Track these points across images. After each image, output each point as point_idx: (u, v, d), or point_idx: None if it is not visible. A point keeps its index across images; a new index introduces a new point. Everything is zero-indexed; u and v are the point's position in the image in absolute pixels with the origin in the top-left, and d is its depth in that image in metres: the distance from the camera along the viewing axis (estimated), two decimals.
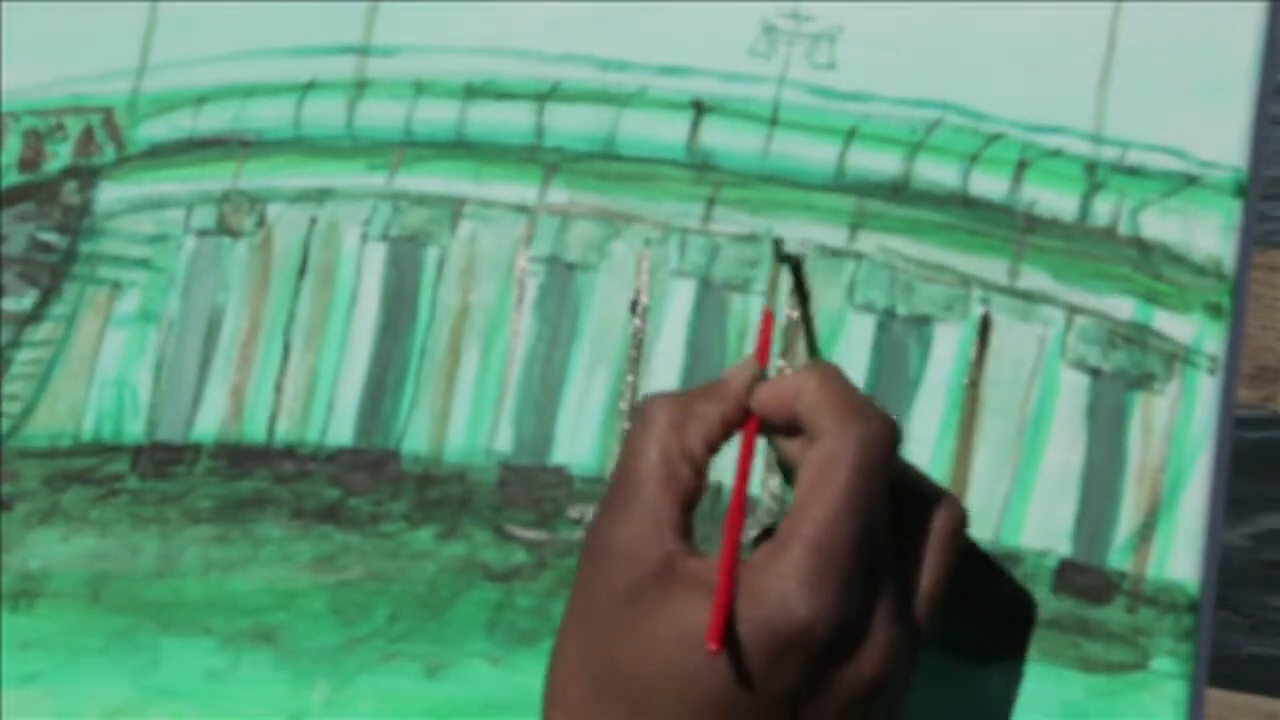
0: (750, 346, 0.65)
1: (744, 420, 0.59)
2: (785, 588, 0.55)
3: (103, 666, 0.67)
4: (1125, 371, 0.62)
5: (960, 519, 0.59)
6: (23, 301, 0.71)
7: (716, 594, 0.54)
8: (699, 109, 0.66)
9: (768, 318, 0.62)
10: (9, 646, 0.68)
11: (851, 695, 0.55)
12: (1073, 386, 0.62)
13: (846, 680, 0.55)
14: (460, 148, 0.68)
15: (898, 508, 0.58)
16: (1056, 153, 0.64)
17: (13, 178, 0.72)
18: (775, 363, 0.64)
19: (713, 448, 0.58)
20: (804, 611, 0.54)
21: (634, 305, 0.66)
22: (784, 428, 0.58)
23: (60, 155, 0.72)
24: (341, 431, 0.68)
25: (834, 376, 0.59)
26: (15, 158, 0.72)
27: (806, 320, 0.65)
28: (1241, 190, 0.62)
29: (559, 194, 0.67)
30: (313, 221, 0.69)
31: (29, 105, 0.72)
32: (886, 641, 0.56)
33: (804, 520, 0.55)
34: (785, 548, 0.55)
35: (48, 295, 0.71)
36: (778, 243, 0.65)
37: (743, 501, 0.57)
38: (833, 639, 0.55)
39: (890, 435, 0.57)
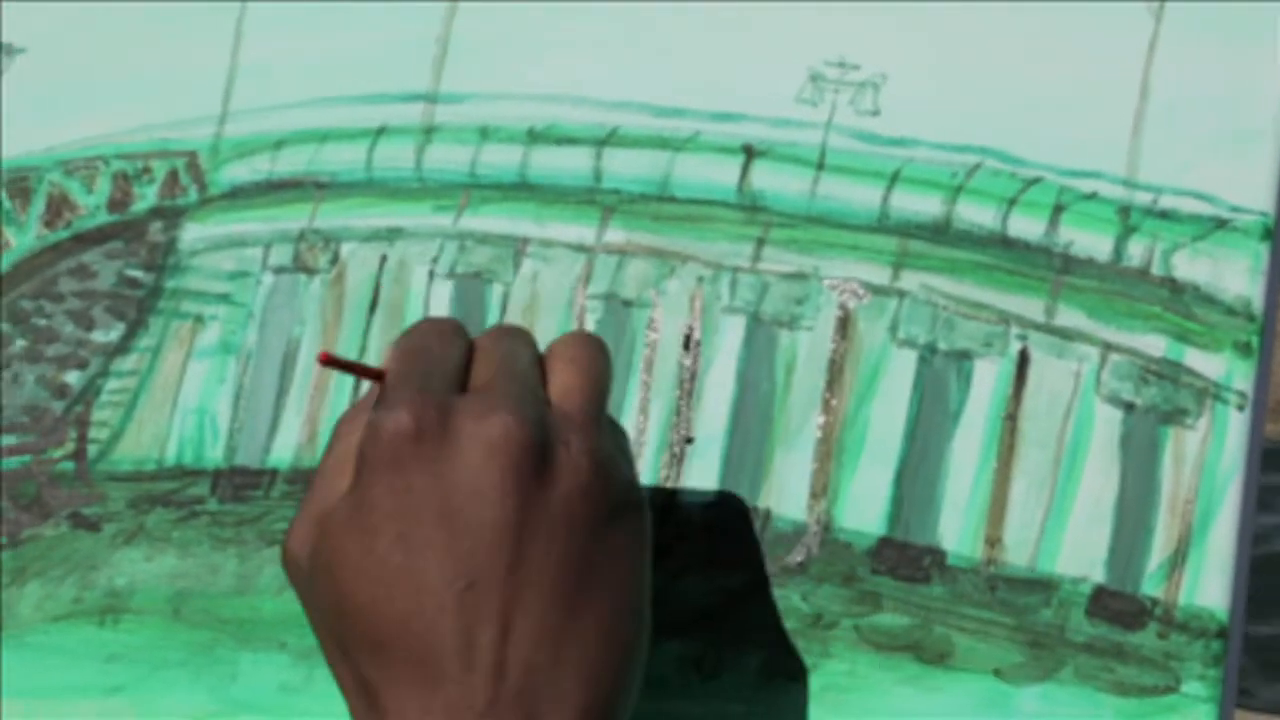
0: (796, 379, 0.66)
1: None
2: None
3: (183, 679, 0.68)
4: (1157, 406, 0.63)
5: (589, 342, 0.60)
6: (111, 334, 0.71)
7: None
8: (749, 153, 0.67)
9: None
10: (95, 659, 0.69)
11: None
12: (1107, 420, 0.63)
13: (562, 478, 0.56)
14: (523, 190, 0.69)
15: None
16: (1091, 196, 0.64)
17: (102, 218, 0.72)
18: None
19: None
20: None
21: (687, 340, 0.67)
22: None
23: (147, 197, 0.72)
24: None
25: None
26: (105, 199, 0.72)
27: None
28: (1269, 234, 0.63)
29: (616, 234, 0.68)
30: (383, 259, 0.70)
31: (118, 150, 0.72)
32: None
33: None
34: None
35: (134, 328, 0.71)
36: None
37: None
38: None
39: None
